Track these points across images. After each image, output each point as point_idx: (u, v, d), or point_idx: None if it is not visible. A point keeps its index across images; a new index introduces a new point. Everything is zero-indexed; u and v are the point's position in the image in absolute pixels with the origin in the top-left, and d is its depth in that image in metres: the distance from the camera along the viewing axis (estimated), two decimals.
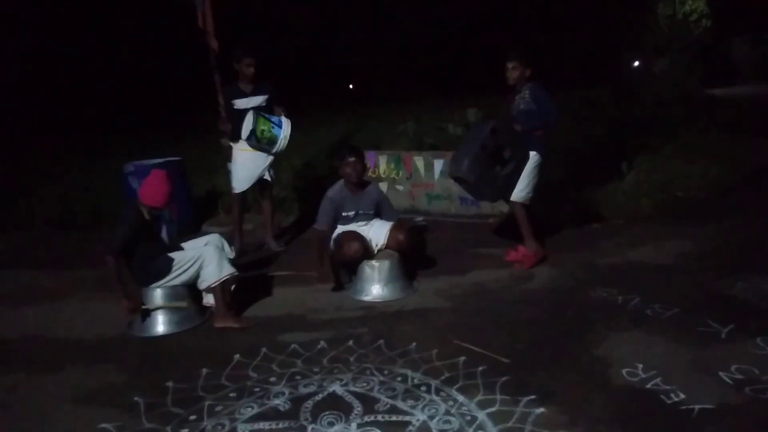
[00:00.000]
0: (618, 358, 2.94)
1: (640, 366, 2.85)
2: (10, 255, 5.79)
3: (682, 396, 2.58)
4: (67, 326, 3.82)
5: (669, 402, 2.55)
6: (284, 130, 4.85)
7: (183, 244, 3.89)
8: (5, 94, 13.64)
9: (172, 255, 3.70)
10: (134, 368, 3.20)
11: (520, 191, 4.36)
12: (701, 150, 7.48)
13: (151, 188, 3.65)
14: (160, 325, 3.64)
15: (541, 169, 4.41)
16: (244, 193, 5.17)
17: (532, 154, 4.30)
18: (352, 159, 4.15)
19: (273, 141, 4.84)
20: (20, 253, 5.81)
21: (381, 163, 6.53)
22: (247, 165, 4.99)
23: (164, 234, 3.96)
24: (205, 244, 3.79)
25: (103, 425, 2.61)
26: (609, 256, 4.54)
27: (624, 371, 2.82)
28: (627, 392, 2.66)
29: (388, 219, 4.34)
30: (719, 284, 3.80)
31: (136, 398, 2.83)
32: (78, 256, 5.42)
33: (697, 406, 2.49)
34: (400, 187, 6.44)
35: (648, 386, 2.68)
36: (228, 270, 3.69)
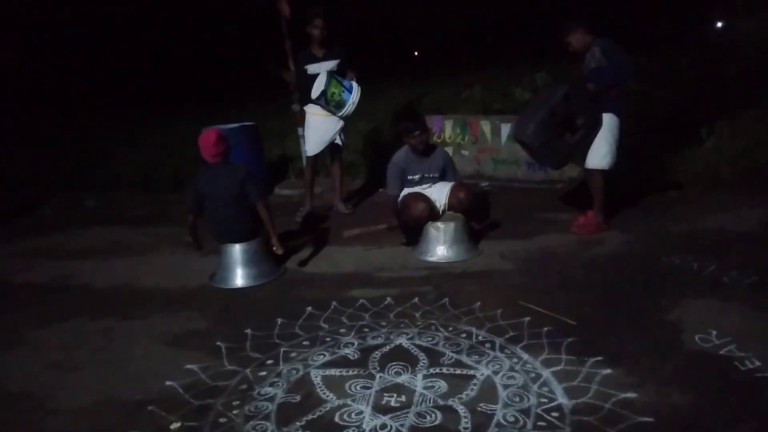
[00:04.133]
0: (691, 324, 2.88)
1: (714, 332, 2.77)
2: (99, 212, 6.26)
3: (758, 363, 2.50)
4: (153, 277, 4.12)
5: (743, 369, 2.48)
6: (353, 96, 4.91)
7: None
8: (92, 62, 14.46)
9: None
10: (215, 316, 3.43)
11: (601, 158, 4.15)
12: None
13: (204, 148, 3.84)
14: (239, 278, 3.86)
15: (620, 130, 4.20)
16: (315, 156, 5.30)
17: (608, 116, 4.11)
18: (417, 132, 4.16)
19: (341, 105, 4.92)
20: (108, 211, 6.25)
21: (446, 128, 6.50)
22: (319, 129, 5.11)
23: None
24: None
25: (189, 366, 2.83)
26: (685, 223, 4.38)
27: (696, 337, 2.76)
28: (699, 357, 2.61)
29: (450, 180, 4.37)
30: None
31: (218, 343, 3.04)
32: (161, 215, 5.79)
33: None
34: (465, 152, 6.41)
35: (721, 352, 2.62)
36: None
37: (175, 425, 2.39)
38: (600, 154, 4.16)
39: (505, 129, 6.14)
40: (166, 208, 6.07)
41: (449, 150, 6.15)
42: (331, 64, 5.01)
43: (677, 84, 7.68)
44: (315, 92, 4.82)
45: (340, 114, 4.98)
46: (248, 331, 3.16)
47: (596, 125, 4.11)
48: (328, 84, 4.78)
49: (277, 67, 5.13)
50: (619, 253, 3.95)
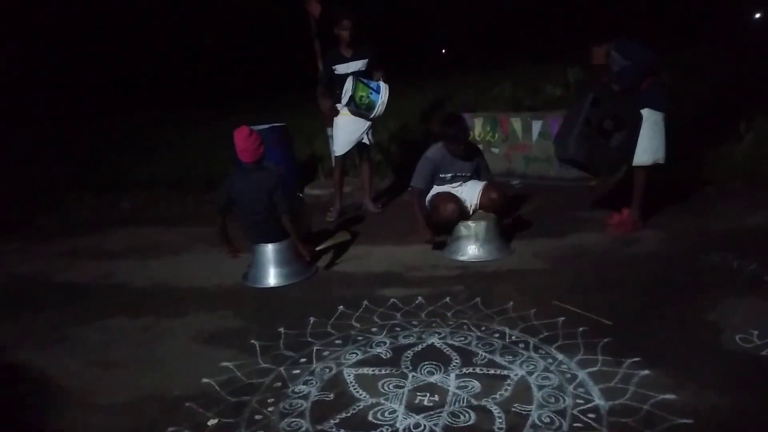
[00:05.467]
0: (731, 324, 2.80)
1: (756, 332, 2.70)
2: (135, 213, 6.41)
3: None
4: (189, 277, 4.20)
5: None
6: (382, 96, 4.92)
7: None
8: (128, 66, 14.87)
9: None
10: (249, 315, 3.48)
11: (641, 153, 4.04)
12: None
13: (238, 146, 3.87)
14: (271, 277, 3.92)
15: (665, 122, 4.06)
16: (344, 156, 5.33)
17: (646, 111, 3.99)
18: (461, 144, 4.13)
19: (371, 107, 4.93)
20: (144, 212, 6.40)
21: (476, 126, 6.44)
22: (347, 129, 5.13)
23: None
24: None
25: (225, 363, 2.88)
26: (724, 221, 4.26)
27: (737, 337, 2.69)
28: (739, 358, 2.54)
29: (482, 179, 4.33)
30: None
31: (252, 341, 3.09)
32: (195, 215, 5.90)
33: None
34: (496, 150, 6.35)
35: (763, 353, 2.55)
36: None
37: (212, 422, 2.43)
38: (641, 150, 4.05)
39: (536, 126, 6.06)
40: (200, 208, 6.18)
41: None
42: (359, 64, 5.03)
43: (714, 77, 7.48)
44: (344, 99, 4.84)
45: (371, 116, 5.00)
46: (281, 329, 3.20)
47: (636, 122, 4.02)
48: (354, 88, 4.79)
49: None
50: (655, 251, 3.87)
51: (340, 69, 5.03)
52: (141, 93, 14.21)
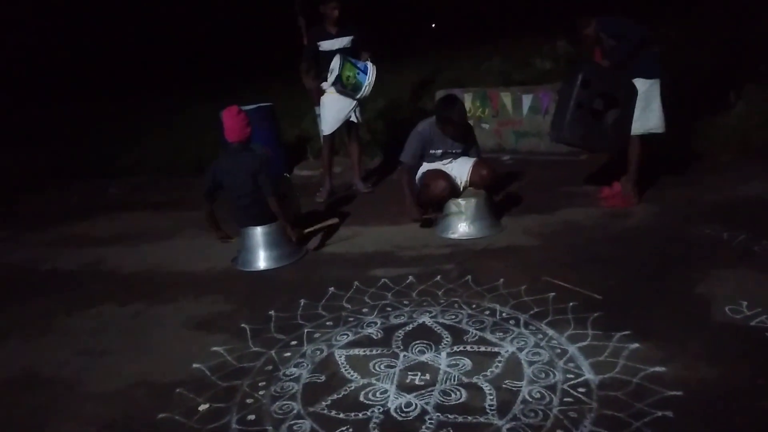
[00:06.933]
0: (721, 295, 2.81)
1: (745, 303, 2.70)
2: (124, 199, 6.35)
3: None
4: (179, 261, 4.17)
5: None
6: (369, 77, 4.85)
7: None
8: (111, 50, 14.63)
9: None
10: (240, 299, 3.46)
11: (634, 122, 4.00)
12: None
13: (224, 124, 3.84)
14: (261, 261, 3.89)
15: (660, 91, 4.01)
16: (332, 135, 5.27)
17: (639, 81, 3.94)
18: (458, 126, 4.09)
19: (357, 87, 4.86)
20: (133, 197, 6.35)
21: (466, 101, 6.36)
22: (334, 107, 5.07)
23: None
24: None
25: (215, 348, 2.87)
26: (714, 192, 4.25)
27: (727, 308, 2.69)
28: (729, 329, 2.54)
29: (472, 155, 4.30)
30: None
31: (242, 325, 3.08)
32: (184, 199, 5.84)
33: None
34: (486, 125, 6.30)
35: (752, 323, 2.55)
36: None
37: (203, 407, 2.43)
38: (634, 119, 4.01)
39: (527, 100, 6.01)
40: (189, 192, 6.12)
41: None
42: (345, 41, 4.95)
43: (703, 45, 7.41)
44: (330, 78, 4.75)
45: (357, 96, 4.93)
46: (272, 312, 3.18)
47: (631, 95, 3.96)
48: (342, 68, 4.71)
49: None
50: (646, 225, 3.86)
51: (325, 45, 4.95)
52: (126, 77, 14.01)
